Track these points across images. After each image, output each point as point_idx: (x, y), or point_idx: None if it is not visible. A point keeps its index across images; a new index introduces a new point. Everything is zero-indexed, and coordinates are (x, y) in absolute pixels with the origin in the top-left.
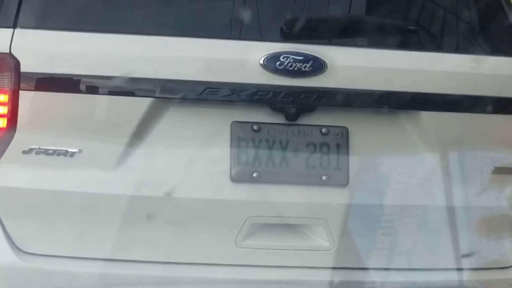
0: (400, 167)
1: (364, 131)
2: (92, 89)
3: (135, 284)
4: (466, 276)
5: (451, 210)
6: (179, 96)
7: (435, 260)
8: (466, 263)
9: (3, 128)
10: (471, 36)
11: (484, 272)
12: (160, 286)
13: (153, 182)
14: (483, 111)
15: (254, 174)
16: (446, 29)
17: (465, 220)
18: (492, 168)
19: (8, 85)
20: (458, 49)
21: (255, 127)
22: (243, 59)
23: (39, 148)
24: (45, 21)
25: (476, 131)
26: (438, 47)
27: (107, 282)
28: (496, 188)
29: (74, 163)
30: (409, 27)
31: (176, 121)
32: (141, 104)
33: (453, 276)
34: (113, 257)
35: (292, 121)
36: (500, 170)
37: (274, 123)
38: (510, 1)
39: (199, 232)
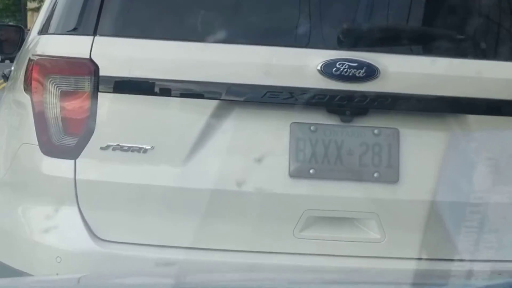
0: (448, 167)
1: (414, 133)
2: (164, 92)
3: (204, 271)
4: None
5: (496, 207)
6: (243, 98)
7: (477, 251)
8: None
9: (83, 127)
10: None
11: None
12: (228, 272)
13: (219, 177)
14: None
15: (311, 171)
16: (493, 38)
17: (505, 217)
18: None
19: (88, 87)
20: (504, 57)
21: (312, 128)
22: (302, 65)
23: (115, 145)
24: (122, 30)
25: None
26: (485, 55)
27: (177, 269)
28: None
29: (147, 159)
30: (458, 36)
31: (240, 122)
32: (208, 105)
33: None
34: (181, 245)
35: (347, 123)
36: None
37: (330, 124)
38: None
39: (261, 223)
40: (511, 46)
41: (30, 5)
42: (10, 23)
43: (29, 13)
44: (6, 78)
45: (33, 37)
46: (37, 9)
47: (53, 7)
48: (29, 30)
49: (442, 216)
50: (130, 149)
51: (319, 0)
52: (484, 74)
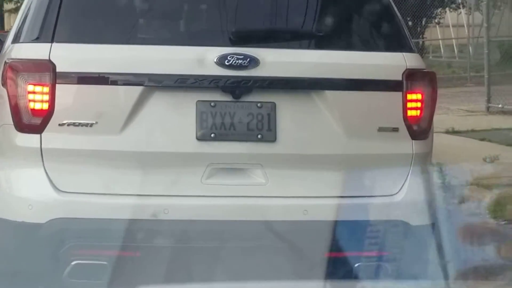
0: (311, 129)
1: (287, 105)
2: (103, 81)
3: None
4: (356, 201)
5: (346, 157)
6: (161, 84)
7: (334, 190)
8: (359, 192)
9: (46, 110)
10: (360, 38)
11: (372, 198)
12: (150, 211)
13: (145, 142)
14: (367, 89)
15: (212, 135)
16: (342, 33)
17: (354, 165)
18: (377, 128)
19: (48, 81)
20: (350, 47)
21: (212, 104)
22: (203, 58)
23: (70, 122)
24: (72, 37)
25: (364, 103)
26: (337, 46)
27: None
28: (380, 141)
29: (93, 131)
30: (318, 33)
31: (159, 101)
32: (136, 90)
33: (347, 201)
34: (121, 192)
35: (237, 99)
36: (383, 129)
37: (225, 101)
38: (395, 10)
39: (177, 174)
40: (354, 40)
41: (7, 6)
42: None
43: (6, 14)
44: None
45: (8, 45)
46: (14, 10)
47: (23, 21)
48: (6, 31)
49: (309, 165)
50: (80, 124)
51: (214, 10)
52: (335, 60)
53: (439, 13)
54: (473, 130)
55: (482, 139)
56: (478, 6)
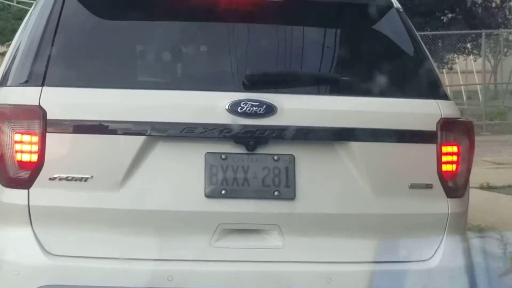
0: (335, 185)
1: (307, 158)
2: (100, 130)
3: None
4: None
5: (375, 217)
6: (165, 134)
7: (361, 254)
8: (389, 256)
9: (34, 162)
10: (390, 83)
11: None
12: (152, 277)
13: (146, 199)
14: (397, 141)
15: (223, 191)
16: (368, 78)
17: (383, 226)
18: (409, 184)
19: (38, 129)
20: (377, 93)
21: (223, 156)
22: (213, 105)
23: (61, 176)
24: (65, 81)
25: (394, 156)
26: (362, 92)
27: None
28: (411, 199)
29: (87, 186)
30: (341, 78)
31: (164, 153)
32: (137, 140)
33: (375, 267)
34: (118, 256)
35: (251, 151)
36: (415, 186)
37: (237, 153)
38: (426, 53)
39: (183, 236)
40: (382, 85)
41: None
42: None
43: None
44: None
45: None
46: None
47: (11, 63)
48: None
49: (333, 226)
50: (73, 179)
51: (225, 53)
52: (361, 108)
53: (451, 58)
54: (510, 186)
55: None
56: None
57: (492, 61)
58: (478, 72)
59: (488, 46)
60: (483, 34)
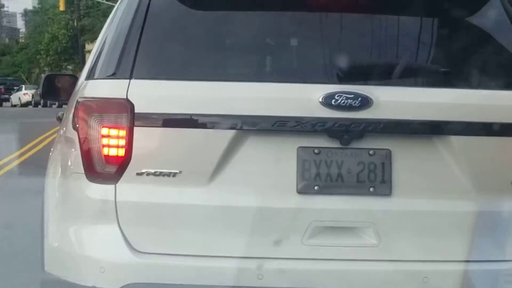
0: (433, 181)
1: (404, 153)
2: (189, 124)
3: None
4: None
5: (474, 216)
6: (256, 128)
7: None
8: (487, 255)
9: (122, 157)
10: (491, 74)
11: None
12: (241, 276)
13: (237, 195)
14: (502, 134)
15: (316, 188)
16: (469, 69)
17: (484, 223)
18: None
19: (125, 123)
20: (478, 85)
21: (316, 151)
22: (306, 98)
23: (149, 171)
24: (153, 73)
25: (497, 151)
26: (462, 84)
27: (199, 272)
28: None
29: (176, 182)
30: (439, 69)
31: (255, 147)
32: (227, 135)
33: (474, 267)
34: (208, 254)
35: (345, 146)
36: None
37: (331, 147)
38: None
39: (275, 233)
40: (483, 77)
41: (88, 47)
42: (66, 73)
43: (87, 55)
44: (60, 119)
45: (81, 82)
46: None
47: (97, 56)
48: None
49: (430, 224)
50: (161, 174)
51: (319, 42)
52: (463, 100)
53: None
54: None
55: None
56: None
57: None
58: None
59: None
60: None
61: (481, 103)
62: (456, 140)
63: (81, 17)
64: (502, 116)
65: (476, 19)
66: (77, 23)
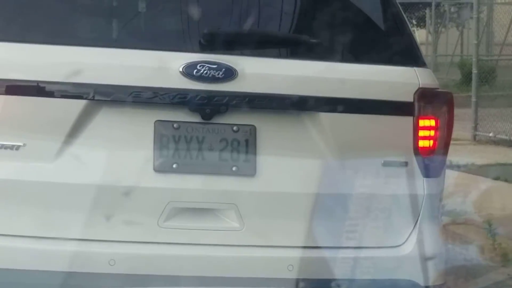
0: (300, 161)
1: (270, 129)
2: (35, 92)
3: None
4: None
5: (342, 197)
6: (109, 98)
7: (318, 239)
8: (353, 242)
9: None
10: (364, 48)
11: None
12: (92, 261)
13: (87, 172)
14: (370, 112)
15: (174, 165)
16: (341, 42)
17: (352, 205)
18: (382, 162)
19: None
20: (350, 59)
21: (175, 125)
22: (165, 67)
23: None
24: None
25: (366, 129)
26: (333, 58)
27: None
28: (384, 178)
29: (19, 156)
30: (310, 40)
31: (108, 120)
32: (77, 105)
33: (342, 253)
34: (52, 236)
35: (207, 120)
36: (388, 164)
37: (192, 122)
38: (403, 17)
39: (128, 214)
40: (356, 50)
41: None
42: None
43: None
44: None
45: None
46: None
47: None
48: None
49: (296, 206)
50: (2, 147)
51: (181, 6)
52: (333, 75)
53: None
54: (473, 164)
55: (496, 178)
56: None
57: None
58: (421, 44)
59: (430, 17)
60: (433, 3)
61: (351, 78)
62: (325, 117)
63: None
64: (372, 92)
65: None
66: None
